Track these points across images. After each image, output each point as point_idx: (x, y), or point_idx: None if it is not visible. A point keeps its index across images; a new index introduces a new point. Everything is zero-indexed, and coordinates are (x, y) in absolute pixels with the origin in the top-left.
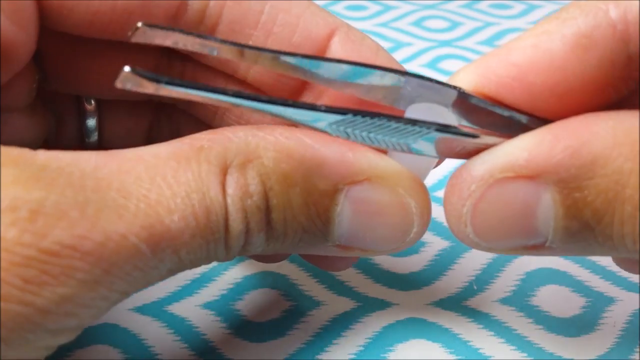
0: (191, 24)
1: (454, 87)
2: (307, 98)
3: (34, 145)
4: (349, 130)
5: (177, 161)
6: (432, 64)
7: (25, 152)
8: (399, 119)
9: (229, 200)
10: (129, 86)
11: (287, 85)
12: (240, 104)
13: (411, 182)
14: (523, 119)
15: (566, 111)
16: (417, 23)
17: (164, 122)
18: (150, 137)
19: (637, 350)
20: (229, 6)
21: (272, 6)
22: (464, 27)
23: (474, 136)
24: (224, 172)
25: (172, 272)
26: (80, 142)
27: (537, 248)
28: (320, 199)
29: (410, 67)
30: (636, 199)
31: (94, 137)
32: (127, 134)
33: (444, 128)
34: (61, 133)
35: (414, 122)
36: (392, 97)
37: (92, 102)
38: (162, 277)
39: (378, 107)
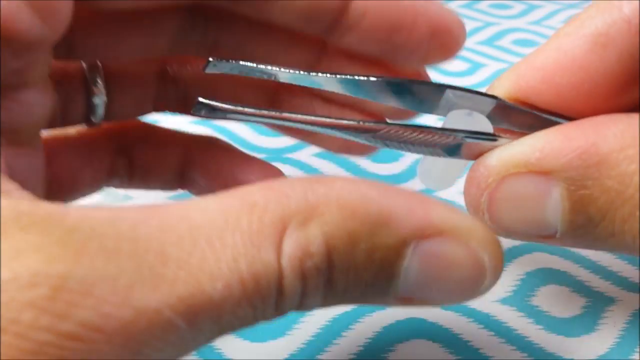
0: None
1: (490, 96)
2: (345, 24)
3: (43, 122)
4: (385, 140)
5: (225, 220)
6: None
7: (55, 211)
8: (430, 128)
9: (284, 261)
10: (203, 114)
11: (326, 14)
12: (304, 128)
13: (484, 235)
14: (556, 119)
15: (594, 109)
16: None
17: (171, 91)
18: (157, 107)
19: (638, 350)
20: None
21: None
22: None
23: (495, 138)
24: (281, 231)
25: (212, 339)
26: (86, 119)
27: (548, 238)
28: (386, 254)
29: None
30: (637, 199)
31: (101, 114)
32: (134, 107)
33: (473, 135)
34: (69, 110)
35: (443, 130)
36: (431, 105)
37: (99, 81)
38: (199, 346)
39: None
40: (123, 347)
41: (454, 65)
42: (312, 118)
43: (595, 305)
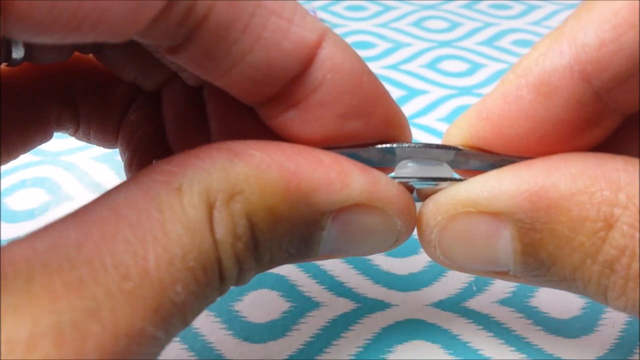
0: (173, 24)
1: (446, 147)
2: (280, 106)
3: None
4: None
5: (160, 211)
6: (431, 64)
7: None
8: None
9: (220, 247)
10: None
11: (262, 94)
12: None
13: (400, 202)
14: (514, 160)
15: (549, 152)
16: (417, 23)
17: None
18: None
19: (636, 351)
20: (219, 6)
21: (263, 7)
22: (464, 27)
23: (445, 180)
24: (210, 213)
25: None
26: (6, 59)
27: (503, 275)
28: (306, 226)
29: (410, 67)
30: (587, 247)
31: (21, 53)
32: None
33: (422, 180)
34: None
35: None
36: (386, 158)
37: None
38: (165, 347)
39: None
40: None
41: (453, 66)
42: None
43: (594, 306)
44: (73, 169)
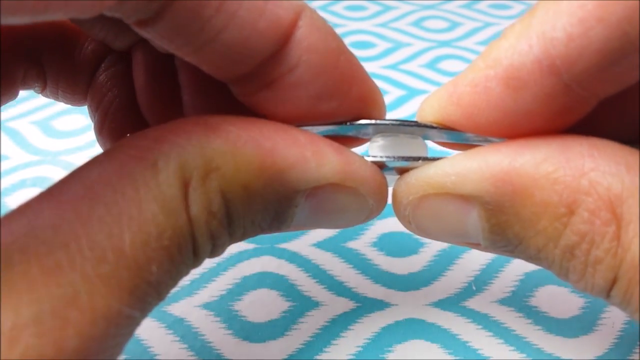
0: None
1: (420, 125)
2: (253, 84)
3: None
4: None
5: (136, 189)
6: (431, 64)
7: None
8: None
9: (194, 224)
10: None
11: (235, 72)
12: None
13: (372, 181)
14: (487, 138)
15: (521, 136)
16: (417, 23)
17: None
18: None
19: (636, 350)
20: None
21: None
22: (464, 27)
23: (418, 159)
24: (185, 189)
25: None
26: None
27: (475, 245)
28: (280, 203)
29: (409, 67)
30: (549, 231)
31: None
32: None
33: (395, 158)
34: None
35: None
36: (361, 133)
37: None
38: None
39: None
40: (102, 356)
41: (453, 65)
42: None
43: (594, 306)
44: (73, 169)
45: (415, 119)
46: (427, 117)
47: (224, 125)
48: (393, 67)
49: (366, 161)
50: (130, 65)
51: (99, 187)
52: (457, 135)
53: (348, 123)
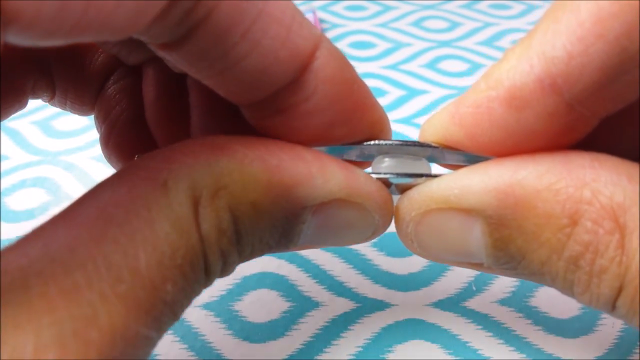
0: (173, 23)
1: (422, 145)
2: (267, 110)
3: None
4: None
5: (148, 208)
6: (431, 64)
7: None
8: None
9: (205, 242)
10: None
11: (251, 98)
12: None
13: (378, 197)
14: (489, 157)
15: (524, 153)
16: (417, 23)
17: None
18: None
19: (636, 351)
20: (222, 8)
21: (266, 13)
22: (464, 27)
23: (421, 176)
24: (196, 208)
25: None
26: None
27: (478, 266)
28: (287, 220)
29: (409, 67)
30: (552, 243)
31: None
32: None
33: (399, 175)
34: None
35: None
36: (364, 155)
37: None
38: (157, 344)
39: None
40: None
41: (453, 65)
42: None
43: None
44: (73, 169)
45: (417, 140)
46: (430, 137)
47: (231, 144)
48: (393, 67)
49: (371, 177)
50: (139, 79)
51: (112, 208)
52: (460, 156)
53: (352, 144)
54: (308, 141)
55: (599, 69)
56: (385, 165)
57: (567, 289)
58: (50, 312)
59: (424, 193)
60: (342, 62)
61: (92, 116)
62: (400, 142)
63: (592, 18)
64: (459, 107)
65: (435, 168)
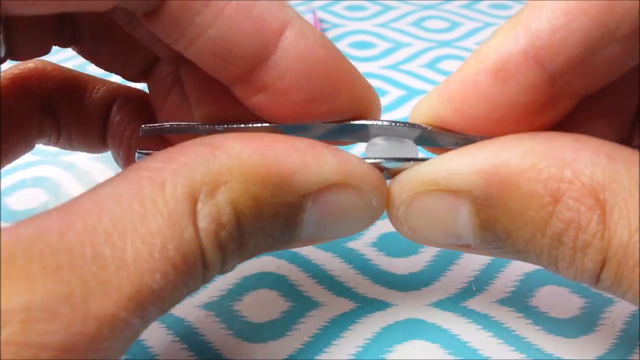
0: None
1: (411, 125)
2: (250, 88)
3: None
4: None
5: (142, 204)
6: (431, 65)
7: None
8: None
9: (202, 236)
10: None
11: (229, 72)
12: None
13: (373, 179)
14: (475, 138)
15: (508, 132)
16: (417, 23)
17: (67, 24)
18: (59, 43)
19: (636, 351)
20: None
21: None
22: (464, 27)
23: (409, 160)
24: (193, 205)
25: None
26: None
27: (465, 247)
28: (289, 210)
29: (409, 67)
30: (536, 221)
31: (2, 52)
32: (35, 46)
33: (390, 159)
34: None
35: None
36: (364, 137)
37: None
38: (141, 332)
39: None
40: (93, 355)
41: (453, 66)
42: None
43: (594, 306)
44: (73, 169)
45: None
46: (419, 118)
47: (227, 141)
48: (393, 67)
49: (363, 160)
50: (141, 102)
51: (108, 202)
52: (447, 137)
53: (341, 123)
54: (294, 118)
55: (580, 42)
56: (379, 148)
57: (552, 265)
58: (26, 283)
59: (413, 176)
60: (314, 40)
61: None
62: (390, 123)
63: None
64: (448, 84)
65: (423, 153)
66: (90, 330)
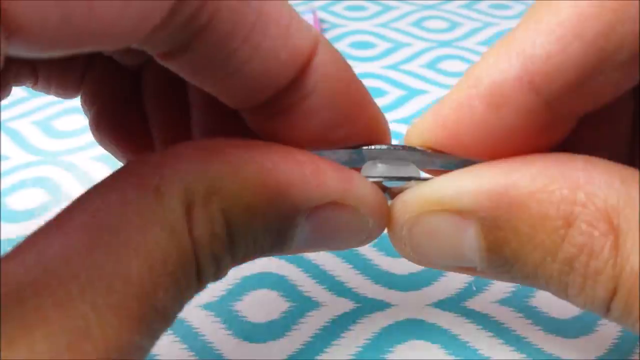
0: (174, 30)
1: (410, 148)
2: (268, 112)
3: None
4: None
5: (140, 214)
6: (431, 65)
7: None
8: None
9: (197, 246)
10: None
11: (252, 101)
12: None
13: (372, 201)
14: (476, 161)
15: (507, 155)
16: (417, 23)
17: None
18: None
19: (636, 351)
20: (223, 14)
21: (265, 15)
22: (464, 27)
23: (410, 179)
24: (188, 212)
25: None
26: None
27: (471, 270)
28: (281, 222)
29: (410, 67)
30: (547, 245)
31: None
32: (62, 84)
33: (390, 178)
34: None
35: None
36: (354, 159)
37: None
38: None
39: None
40: None
41: (453, 65)
42: None
43: None
44: (73, 169)
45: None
46: (415, 141)
47: (224, 148)
48: (393, 67)
49: (366, 180)
50: (123, 61)
51: (104, 215)
52: (447, 159)
53: (342, 148)
54: (307, 143)
55: (576, 68)
56: (376, 170)
57: (562, 291)
58: (44, 326)
59: (417, 195)
60: (340, 61)
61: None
62: (388, 147)
63: (571, 18)
64: (441, 108)
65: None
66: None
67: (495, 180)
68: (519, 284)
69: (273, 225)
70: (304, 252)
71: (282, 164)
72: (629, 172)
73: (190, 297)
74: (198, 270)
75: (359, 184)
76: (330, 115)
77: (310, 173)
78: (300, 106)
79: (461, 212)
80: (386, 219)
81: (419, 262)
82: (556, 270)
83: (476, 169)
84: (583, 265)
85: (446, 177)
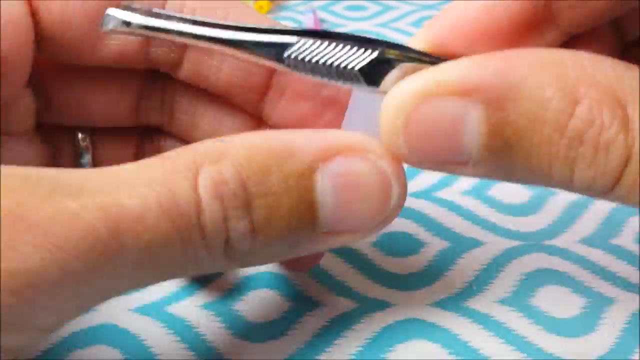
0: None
1: (412, 50)
2: (273, 94)
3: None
4: (295, 63)
5: (138, 169)
6: None
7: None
8: (347, 38)
9: (200, 189)
10: (111, 27)
11: (254, 84)
12: (196, 32)
13: (379, 147)
14: None
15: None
16: (417, 23)
17: (148, 146)
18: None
19: (636, 351)
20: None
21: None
22: None
23: (418, 58)
24: (194, 171)
25: (142, 265)
26: (74, 165)
27: (461, 165)
28: (299, 182)
29: None
30: (555, 121)
31: (86, 163)
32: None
33: (391, 46)
34: (57, 164)
35: (361, 39)
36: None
37: (86, 138)
38: (131, 271)
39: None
40: (46, 240)
41: None
42: (222, 30)
43: (595, 305)
44: None
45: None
46: (419, 43)
47: (230, 136)
48: None
49: (364, 134)
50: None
51: (109, 168)
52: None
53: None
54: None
55: None
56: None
57: (567, 167)
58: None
59: (424, 78)
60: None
61: None
62: (403, 48)
63: None
64: (450, 7)
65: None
66: (46, 212)
67: (503, 59)
68: (520, 283)
69: (291, 184)
70: (337, 230)
71: (286, 132)
72: (624, 63)
73: (197, 256)
74: (198, 209)
75: (357, 134)
76: (308, 105)
77: (313, 133)
78: (294, 87)
79: (467, 93)
80: (400, 164)
81: (408, 159)
82: (564, 145)
83: (482, 55)
84: (594, 137)
85: (451, 62)
